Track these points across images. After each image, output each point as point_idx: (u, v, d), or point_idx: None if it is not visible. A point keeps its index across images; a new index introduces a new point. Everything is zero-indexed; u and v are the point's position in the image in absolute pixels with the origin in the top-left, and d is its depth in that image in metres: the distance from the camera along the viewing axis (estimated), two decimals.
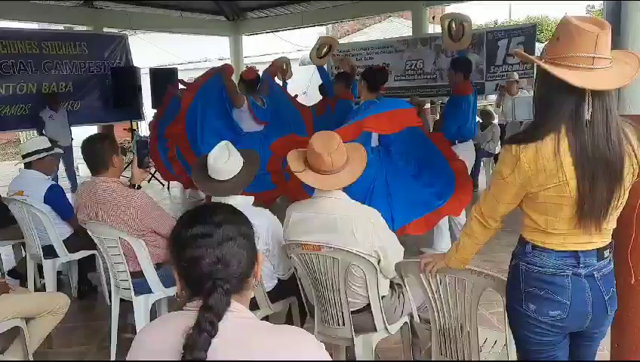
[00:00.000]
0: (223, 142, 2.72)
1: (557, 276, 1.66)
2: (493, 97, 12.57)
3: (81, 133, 7.31)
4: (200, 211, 1.26)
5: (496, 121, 8.61)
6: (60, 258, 3.78)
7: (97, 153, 2.95)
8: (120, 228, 2.89)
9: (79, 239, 3.78)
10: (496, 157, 8.06)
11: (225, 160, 2.63)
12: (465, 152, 4.84)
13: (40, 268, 3.95)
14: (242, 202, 2.69)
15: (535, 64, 1.73)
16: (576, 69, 1.53)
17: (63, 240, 3.77)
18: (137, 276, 3.00)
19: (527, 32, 8.24)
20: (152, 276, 3.00)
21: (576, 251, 1.66)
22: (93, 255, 3.90)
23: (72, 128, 8.31)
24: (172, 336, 1.11)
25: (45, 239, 3.73)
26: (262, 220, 2.60)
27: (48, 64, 8.68)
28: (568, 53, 1.54)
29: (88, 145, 2.98)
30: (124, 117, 9.52)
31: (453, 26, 5.20)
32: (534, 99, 1.71)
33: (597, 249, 1.69)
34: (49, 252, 3.76)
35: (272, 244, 2.63)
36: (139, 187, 3.05)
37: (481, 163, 8.19)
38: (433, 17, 12.52)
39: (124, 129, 9.96)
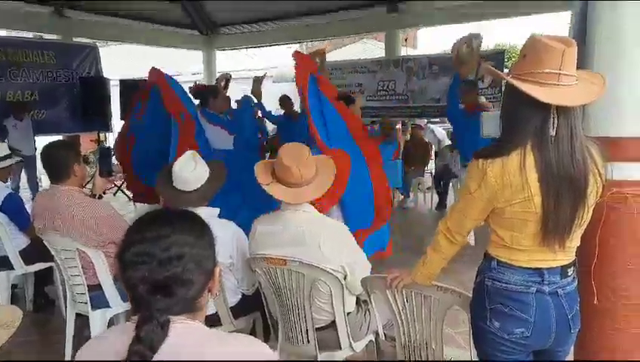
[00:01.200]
0: (189, 152, 2.66)
1: (522, 293, 1.66)
2: None
3: (46, 142, 7.10)
4: (147, 221, 1.13)
5: None
6: (16, 270, 3.62)
7: (58, 160, 2.84)
8: (78, 239, 2.79)
9: (36, 250, 3.64)
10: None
11: (191, 169, 2.57)
12: None
13: None
14: (207, 215, 2.62)
15: (503, 82, 1.75)
16: (543, 85, 1.54)
17: (19, 252, 3.62)
18: (95, 289, 2.89)
19: (496, 58, 8.39)
20: (110, 289, 2.89)
21: (541, 268, 1.66)
22: (51, 267, 3.77)
23: (37, 138, 8.08)
24: (112, 356, 1.03)
25: (1, 250, 3.58)
26: (227, 232, 2.54)
27: (14, 72, 8.46)
28: (535, 69, 1.55)
29: (49, 151, 2.87)
30: (92, 128, 9.31)
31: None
32: (501, 115, 1.71)
33: (561, 266, 1.69)
34: (3, 263, 3.60)
35: (236, 258, 2.57)
36: (100, 197, 2.96)
37: (450, 184, 8.28)
38: (406, 40, 12.72)
39: (91, 140, 9.75)
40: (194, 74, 16.31)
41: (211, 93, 5.18)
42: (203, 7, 10.35)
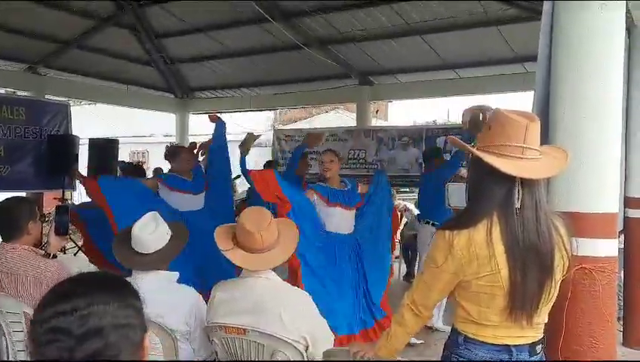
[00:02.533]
0: (151, 213, 2.58)
1: None
2: None
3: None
4: (60, 291, 1.00)
5: None
6: None
7: (12, 217, 2.70)
8: (27, 301, 2.62)
9: None
10: None
11: (151, 231, 2.48)
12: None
13: None
14: (165, 278, 2.52)
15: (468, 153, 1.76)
16: (507, 158, 1.55)
17: None
18: None
19: (464, 133, 8.65)
20: None
21: (509, 345, 1.62)
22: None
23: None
24: None
25: None
26: (185, 298, 2.43)
27: None
28: (500, 141, 1.57)
29: (3, 207, 2.75)
30: (57, 185, 9.09)
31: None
32: (467, 187, 1.72)
33: (529, 344, 1.65)
34: None
35: (193, 325, 2.44)
36: (54, 256, 2.82)
37: (418, 253, 8.26)
38: (377, 111, 13.08)
39: (55, 198, 9.50)
40: (165, 136, 16.34)
41: (171, 155, 5.10)
42: (179, 71, 10.49)
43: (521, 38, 7.31)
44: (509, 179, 1.55)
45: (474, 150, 1.61)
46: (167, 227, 2.56)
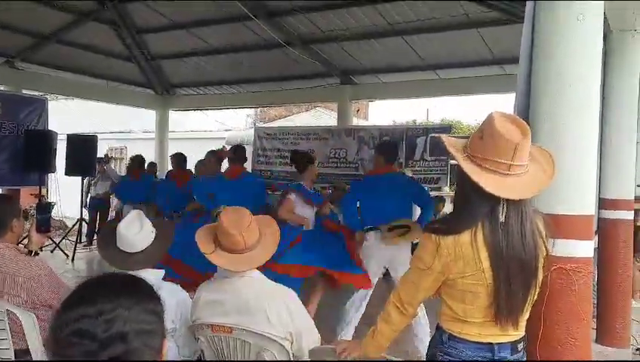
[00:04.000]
0: (135, 211, 2.58)
1: None
2: None
3: None
4: (86, 294, 1.01)
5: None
6: None
7: None
8: (9, 299, 2.60)
9: None
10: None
11: (137, 230, 2.49)
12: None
13: None
14: (152, 276, 2.52)
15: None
16: (493, 173, 1.57)
17: None
18: (22, 355, 2.68)
19: (443, 132, 8.78)
20: (39, 356, 2.68)
21: (492, 343, 1.68)
22: None
23: None
24: None
25: None
26: (172, 297, 2.43)
27: None
28: (488, 155, 1.58)
29: None
30: (33, 182, 8.95)
31: None
32: (455, 194, 1.76)
33: (511, 342, 1.70)
34: None
35: (179, 324, 2.46)
36: (36, 254, 2.80)
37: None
38: (357, 110, 13.14)
39: (31, 194, 9.36)
40: (144, 132, 16.18)
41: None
42: (160, 68, 10.41)
43: (500, 41, 7.45)
44: (494, 195, 1.58)
45: (462, 161, 1.62)
46: (152, 226, 2.56)
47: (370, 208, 4.50)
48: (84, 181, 9.81)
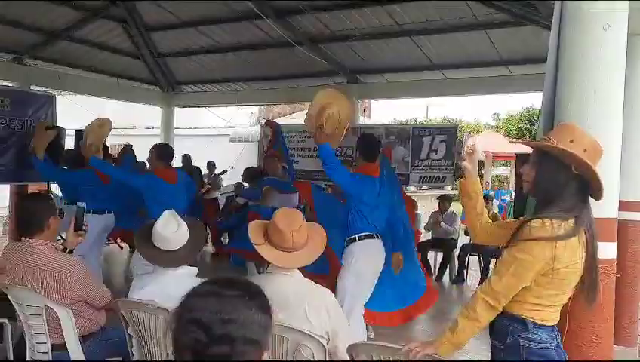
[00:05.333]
0: (169, 211, 2.66)
1: (549, 349, 1.86)
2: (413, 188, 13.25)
3: None
4: (214, 290, 1.11)
5: (419, 211, 9.02)
6: None
7: (33, 212, 2.76)
8: (47, 295, 2.68)
9: None
10: (419, 246, 8.35)
11: (174, 229, 2.57)
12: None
13: None
14: (188, 273, 2.61)
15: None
16: None
17: None
18: (58, 349, 2.76)
19: (450, 132, 8.85)
20: (75, 350, 2.76)
21: (554, 325, 1.90)
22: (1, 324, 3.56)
23: None
24: None
25: None
26: None
27: None
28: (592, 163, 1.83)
29: (24, 203, 2.80)
30: (42, 177, 8.99)
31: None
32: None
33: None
34: None
35: None
36: (71, 252, 2.88)
37: None
38: (364, 109, 13.20)
39: (40, 190, 9.40)
40: (147, 128, 16.21)
41: None
42: (167, 65, 10.45)
43: (507, 42, 7.54)
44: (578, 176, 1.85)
45: (584, 160, 1.83)
46: (187, 226, 2.64)
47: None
48: None
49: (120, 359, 2.96)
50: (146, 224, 2.70)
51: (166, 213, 2.66)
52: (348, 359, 2.30)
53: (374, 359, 2.07)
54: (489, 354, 2.07)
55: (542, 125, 2.66)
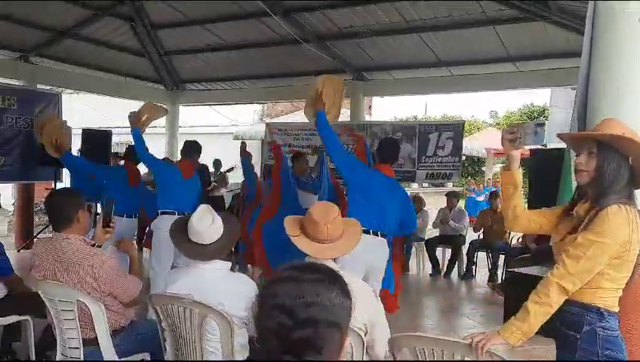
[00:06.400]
0: (205, 206, 2.66)
1: (618, 336, 1.91)
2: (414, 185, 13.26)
3: None
4: (298, 275, 1.11)
5: (426, 208, 9.03)
6: None
7: (62, 207, 2.75)
8: (79, 289, 2.68)
9: (12, 303, 3.46)
10: (427, 243, 8.39)
11: (209, 223, 2.57)
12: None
13: None
14: (222, 267, 2.62)
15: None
16: None
17: None
18: (89, 344, 2.76)
19: (456, 129, 8.86)
20: (106, 345, 2.76)
21: (617, 312, 1.95)
22: (21, 322, 3.57)
23: None
24: None
25: None
26: (246, 286, 2.52)
27: None
28: None
29: (54, 198, 2.81)
30: (48, 176, 8.99)
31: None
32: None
33: None
34: None
35: (251, 313, 2.54)
36: (99, 247, 2.88)
37: (412, 247, 8.48)
38: (370, 107, 13.21)
39: (46, 188, 9.39)
40: (152, 127, 16.18)
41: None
42: (172, 63, 10.44)
43: (515, 38, 7.56)
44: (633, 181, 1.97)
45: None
46: (221, 220, 2.64)
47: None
48: None
49: (148, 354, 2.96)
50: (182, 217, 2.70)
51: (202, 206, 2.66)
52: (386, 352, 2.31)
53: (417, 352, 2.08)
54: None
55: (575, 119, 2.68)
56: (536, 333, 2.01)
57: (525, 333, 1.96)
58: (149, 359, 2.93)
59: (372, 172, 4.37)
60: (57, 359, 2.84)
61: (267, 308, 1.08)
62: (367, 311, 2.31)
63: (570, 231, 1.98)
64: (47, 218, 9.38)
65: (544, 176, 6.58)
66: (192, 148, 5.43)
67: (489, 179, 17.95)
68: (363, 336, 2.29)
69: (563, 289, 1.92)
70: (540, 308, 1.94)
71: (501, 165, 23.26)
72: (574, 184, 2.27)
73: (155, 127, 14.99)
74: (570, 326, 1.96)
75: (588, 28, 2.60)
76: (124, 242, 2.92)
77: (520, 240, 7.61)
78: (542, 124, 2.03)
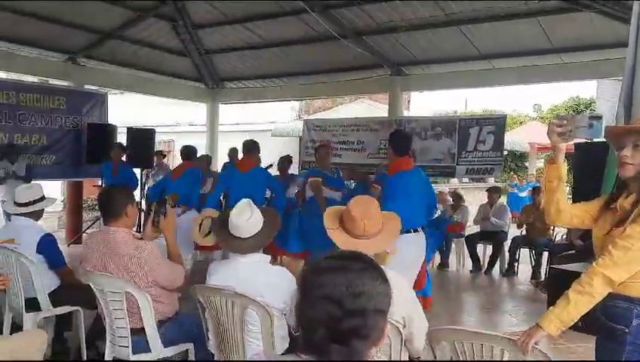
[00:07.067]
0: (246, 200, 2.73)
1: None
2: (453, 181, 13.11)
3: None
4: (341, 265, 1.14)
5: (466, 203, 8.92)
6: (43, 311, 3.56)
7: (112, 200, 2.88)
8: (128, 280, 2.79)
9: (64, 293, 3.62)
10: (467, 239, 8.29)
11: (247, 217, 2.63)
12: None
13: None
14: (260, 260, 2.68)
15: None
16: None
17: (48, 294, 3.57)
18: (137, 333, 2.87)
19: (498, 123, 8.69)
20: (152, 334, 2.87)
21: None
22: (71, 313, 3.73)
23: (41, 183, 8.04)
24: None
25: (28, 291, 3.53)
26: (282, 279, 2.58)
27: (23, 115, 8.52)
28: None
29: (106, 192, 2.94)
30: (96, 174, 9.31)
31: None
32: None
33: None
34: (31, 305, 3.54)
35: (290, 304, 2.59)
36: None
37: (452, 243, 8.40)
38: (409, 102, 13.11)
39: (94, 186, 9.75)
40: (191, 125, 16.53)
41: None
42: (212, 62, 10.62)
43: (559, 30, 7.35)
44: None
45: None
46: (261, 214, 2.70)
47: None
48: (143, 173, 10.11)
49: (192, 345, 3.05)
50: (224, 213, 2.78)
51: (242, 201, 2.73)
52: (424, 345, 2.32)
53: (456, 345, 2.08)
54: None
55: (622, 112, 2.61)
56: (575, 326, 1.99)
57: (564, 322, 1.94)
58: (192, 349, 3.02)
59: (394, 180, 4.39)
60: (107, 347, 2.97)
61: (313, 298, 1.09)
62: (404, 303, 2.32)
63: (617, 225, 1.94)
64: (94, 214, 9.79)
65: (587, 170, 6.38)
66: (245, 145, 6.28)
67: (531, 174, 17.53)
68: (401, 329, 2.31)
69: (608, 280, 1.89)
70: (582, 298, 1.91)
71: (544, 160, 22.65)
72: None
73: (196, 125, 15.37)
74: (618, 320, 1.92)
75: (634, 20, 2.53)
76: (164, 227, 2.97)
77: (564, 236, 7.44)
78: (598, 117, 1.90)
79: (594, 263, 1.94)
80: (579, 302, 1.92)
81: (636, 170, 1.93)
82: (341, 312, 1.06)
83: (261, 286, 2.52)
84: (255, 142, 6.27)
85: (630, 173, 1.95)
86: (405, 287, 2.39)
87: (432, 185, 6.77)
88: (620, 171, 1.97)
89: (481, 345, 2.05)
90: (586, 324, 1.94)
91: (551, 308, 1.98)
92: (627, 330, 1.89)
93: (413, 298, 2.42)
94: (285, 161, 7.94)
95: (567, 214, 2.14)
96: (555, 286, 5.35)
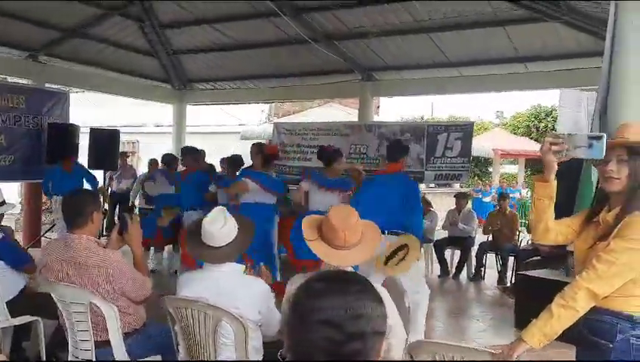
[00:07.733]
0: (219, 208, 2.64)
1: None
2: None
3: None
4: (331, 284, 1.09)
5: (434, 209, 8.98)
6: (0, 322, 3.38)
7: (78, 206, 2.74)
8: (92, 290, 2.66)
9: (24, 303, 3.46)
10: (435, 244, 8.34)
11: (220, 226, 2.54)
12: None
13: None
14: (233, 270, 2.59)
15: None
16: None
17: (6, 303, 3.40)
18: (101, 346, 2.74)
19: (465, 130, 8.79)
20: (118, 347, 2.74)
21: None
22: (31, 322, 3.56)
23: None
24: None
25: None
26: (254, 289, 2.50)
27: None
28: None
29: (71, 197, 2.79)
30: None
31: None
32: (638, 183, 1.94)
33: None
34: None
35: (264, 312, 2.52)
36: None
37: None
38: (378, 107, 13.16)
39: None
40: (157, 126, 16.21)
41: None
42: (180, 63, 10.43)
43: (525, 39, 7.50)
44: None
45: None
46: (235, 222, 2.62)
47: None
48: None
49: (160, 357, 2.94)
50: (199, 219, 2.68)
51: (216, 209, 2.64)
52: (403, 357, 2.28)
53: (437, 359, 2.04)
54: None
55: (595, 123, 2.64)
56: (557, 339, 1.98)
57: (547, 335, 1.92)
58: (161, 360, 2.91)
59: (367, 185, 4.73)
60: (69, 360, 2.83)
61: (311, 322, 1.04)
62: (390, 316, 2.28)
63: (600, 239, 1.94)
64: (53, 217, 9.44)
65: (561, 188, 6.51)
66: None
67: (495, 180, 17.87)
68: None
69: (592, 294, 1.88)
70: (565, 312, 1.90)
71: (509, 165, 23.10)
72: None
73: (163, 125, 15.07)
74: (602, 334, 1.91)
75: (610, 20, 2.55)
76: (130, 236, 2.85)
77: (529, 242, 7.56)
78: (599, 137, 1.82)
79: (577, 277, 1.93)
80: (562, 315, 1.91)
81: (622, 185, 1.93)
82: (342, 336, 1.02)
83: (237, 297, 2.44)
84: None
85: (617, 187, 1.94)
86: (388, 298, 2.34)
87: None
88: (606, 186, 1.96)
89: (462, 358, 2.02)
90: (564, 334, 1.92)
91: (534, 320, 1.96)
92: (611, 346, 1.89)
93: (393, 308, 2.38)
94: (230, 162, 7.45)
95: (554, 233, 2.12)
96: (522, 291, 5.43)
